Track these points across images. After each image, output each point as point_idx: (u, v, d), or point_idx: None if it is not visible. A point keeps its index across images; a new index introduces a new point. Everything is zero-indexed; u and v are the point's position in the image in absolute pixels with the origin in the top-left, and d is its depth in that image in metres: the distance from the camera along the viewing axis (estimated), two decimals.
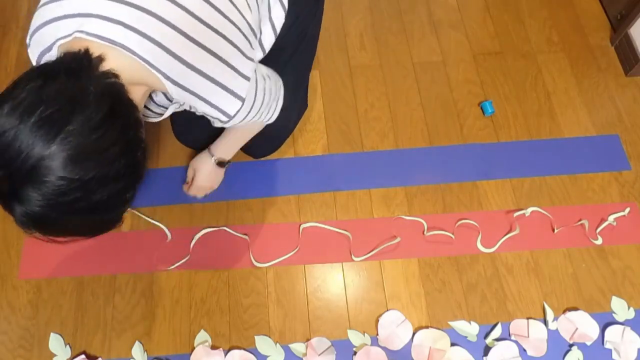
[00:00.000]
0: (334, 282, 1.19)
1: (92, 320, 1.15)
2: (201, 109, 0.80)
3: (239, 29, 0.79)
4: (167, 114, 0.90)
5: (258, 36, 0.91)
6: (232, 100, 0.80)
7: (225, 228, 1.24)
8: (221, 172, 1.23)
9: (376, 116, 1.41)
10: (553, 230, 1.23)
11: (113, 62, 0.67)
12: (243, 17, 0.81)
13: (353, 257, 1.21)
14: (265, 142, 1.29)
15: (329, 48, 1.51)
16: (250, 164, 1.33)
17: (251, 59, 0.82)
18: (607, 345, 1.11)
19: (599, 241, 1.22)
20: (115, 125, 0.64)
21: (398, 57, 1.51)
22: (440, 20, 1.59)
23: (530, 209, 1.25)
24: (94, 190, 0.64)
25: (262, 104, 0.89)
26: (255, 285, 1.19)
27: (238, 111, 0.82)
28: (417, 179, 1.31)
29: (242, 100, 0.81)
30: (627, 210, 1.26)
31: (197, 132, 1.23)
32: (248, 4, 0.83)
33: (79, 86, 0.62)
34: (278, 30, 0.98)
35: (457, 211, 1.27)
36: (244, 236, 1.23)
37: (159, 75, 0.71)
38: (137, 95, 0.71)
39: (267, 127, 1.09)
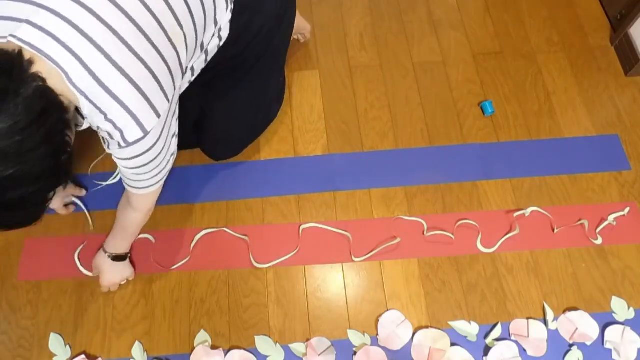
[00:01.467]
0: (334, 282, 1.19)
1: (92, 320, 1.15)
2: (105, 128, 0.77)
3: (167, 64, 0.79)
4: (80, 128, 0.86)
5: (186, 75, 0.90)
6: (136, 130, 0.77)
7: (225, 229, 1.24)
8: (124, 264, 1.15)
9: (376, 116, 1.41)
10: (553, 230, 1.23)
11: (40, 67, 0.67)
12: (177, 53, 0.81)
13: (353, 257, 1.21)
14: (227, 143, 1.28)
15: (329, 48, 1.51)
16: (250, 164, 1.33)
17: (168, 99, 0.80)
18: (607, 345, 1.11)
19: (599, 241, 1.22)
20: (42, 129, 0.64)
21: (398, 57, 1.51)
22: (440, 20, 1.59)
23: (530, 209, 1.25)
24: (9, 188, 0.63)
25: (160, 151, 0.84)
26: (255, 286, 1.19)
27: (137, 141, 0.78)
28: (417, 179, 1.31)
29: (146, 133, 0.77)
30: (627, 210, 1.26)
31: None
32: (185, 41, 0.83)
33: (10, 86, 0.62)
34: (209, 57, 0.98)
35: (457, 211, 1.27)
36: (244, 237, 1.23)
37: (74, 90, 0.70)
38: (65, 100, 0.70)
39: (231, 129, 1.10)
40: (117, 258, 1.13)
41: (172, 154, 0.91)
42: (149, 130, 0.77)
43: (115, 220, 1.11)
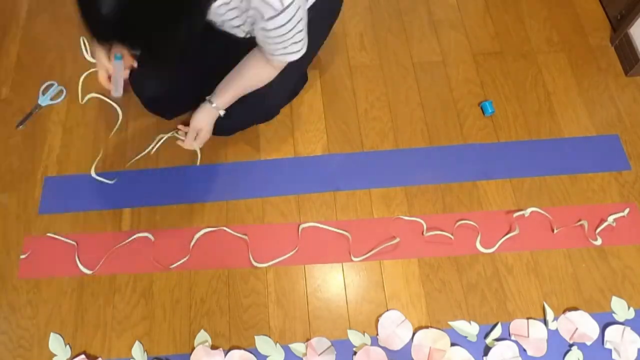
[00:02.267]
0: (334, 282, 1.19)
1: (92, 320, 1.15)
2: (254, 5, 0.93)
3: None
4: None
5: None
6: (277, 4, 0.92)
7: (225, 228, 1.24)
8: (213, 117, 1.18)
9: (376, 116, 1.41)
10: (553, 231, 1.23)
11: None
12: None
13: (352, 257, 1.21)
14: (242, 113, 1.25)
15: (329, 48, 1.51)
16: (250, 164, 1.33)
17: None
18: (607, 345, 1.11)
19: (599, 242, 1.22)
20: None
21: (398, 57, 1.51)
22: (440, 20, 1.59)
23: (529, 210, 1.25)
24: None
25: (299, 21, 0.98)
26: (255, 285, 1.19)
27: (288, 6, 0.92)
28: (417, 179, 1.31)
29: (284, 7, 0.92)
30: (627, 210, 1.26)
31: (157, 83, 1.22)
32: None
33: None
34: None
35: (457, 211, 1.27)
36: (243, 236, 1.23)
37: None
38: None
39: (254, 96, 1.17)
40: (218, 110, 1.17)
41: (304, 36, 1.04)
42: (286, 4, 0.92)
43: (232, 76, 1.15)
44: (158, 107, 1.32)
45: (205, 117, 1.17)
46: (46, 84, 1.46)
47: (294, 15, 0.96)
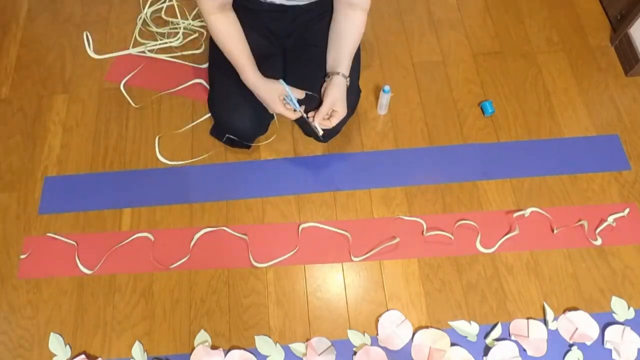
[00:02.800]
0: (334, 282, 1.19)
1: (92, 320, 1.15)
2: None
3: None
4: None
5: None
6: None
7: (225, 228, 1.24)
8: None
9: (376, 116, 1.41)
10: (552, 231, 1.23)
11: None
12: None
13: (352, 257, 1.21)
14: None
15: None
16: (250, 164, 1.33)
17: None
18: (607, 345, 1.11)
19: (599, 242, 1.22)
20: None
21: (398, 57, 1.51)
22: (440, 20, 1.59)
23: (529, 210, 1.25)
24: None
25: None
26: (255, 285, 1.19)
27: None
28: (417, 179, 1.31)
29: None
30: (627, 210, 1.26)
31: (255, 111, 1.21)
32: None
33: None
34: None
35: (457, 211, 1.27)
36: (243, 236, 1.23)
37: None
38: None
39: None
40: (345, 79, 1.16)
41: None
42: None
43: (338, 41, 1.15)
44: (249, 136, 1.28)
45: (340, 90, 1.14)
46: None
47: None
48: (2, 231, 1.26)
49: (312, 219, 1.25)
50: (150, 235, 1.23)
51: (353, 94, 1.22)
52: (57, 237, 1.24)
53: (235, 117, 1.19)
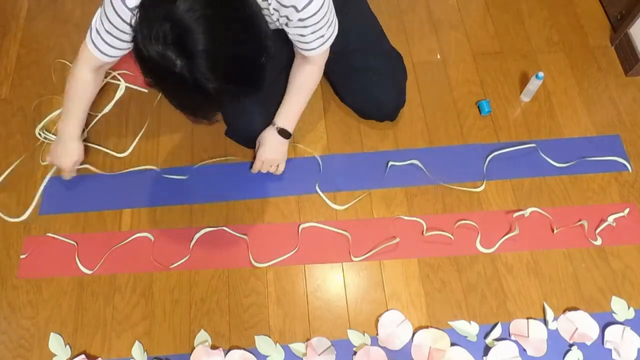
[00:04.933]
0: (334, 282, 1.19)
1: (92, 320, 1.15)
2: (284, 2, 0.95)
3: None
4: None
5: None
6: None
7: (225, 228, 1.24)
8: (285, 144, 1.25)
9: None
10: (553, 231, 1.23)
11: None
12: None
13: (352, 257, 1.21)
14: (392, 86, 1.32)
15: None
16: (250, 164, 1.33)
17: None
18: (607, 345, 1.11)
19: (599, 242, 1.22)
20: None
21: None
22: (440, 20, 1.59)
23: (529, 210, 1.25)
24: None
25: (328, 9, 1.01)
26: (255, 285, 1.19)
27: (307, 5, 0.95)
28: (417, 179, 1.31)
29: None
30: (627, 210, 1.26)
31: (249, 118, 1.25)
32: None
33: None
34: None
35: (457, 211, 1.27)
36: (243, 236, 1.23)
37: None
38: None
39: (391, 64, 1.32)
40: (283, 133, 1.22)
41: (333, 16, 1.06)
42: None
43: (287, 90, 1.21)
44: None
45: (262, 136, 1.23)
46: None
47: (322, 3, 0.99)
48: (2, 231, 1.26)
49: (312, 219, 1.25)
50: (150, 235, 1.23)
51: (401, 81, 1.37)
52: (57, 237, 1.24)
53: (244, 122, 1.24)
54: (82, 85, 1.16)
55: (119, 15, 0.96)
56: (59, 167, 1.25)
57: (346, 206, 1.27)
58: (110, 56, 1.08)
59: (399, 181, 1.30)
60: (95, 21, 1.03)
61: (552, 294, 1.17)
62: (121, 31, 1.00)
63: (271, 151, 1.24)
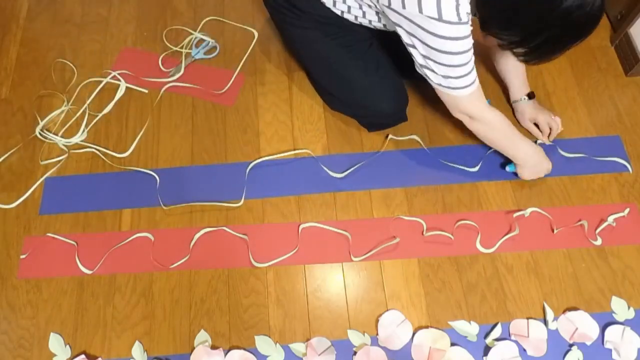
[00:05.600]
0: (334, 282, 1.19)
1: (92, 320, 1.15)
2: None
3: None
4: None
5: None
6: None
7: (225, 228, 1.24)
8: (536, 101, 1.33)
9: None
10: (553, 231, 1.23)
11: None
12: None
13: (352, 257, 1.21)
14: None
15: None
16: (249, 164, 1.33)
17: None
18: (607, 345, 1.11)
19: (599, 242, 1.22)
20: None
21: None
22: None
23: (529, 210, 1.25)
24: None
25: (464, 50, 0.99)
26: (255, 285, 1.19)
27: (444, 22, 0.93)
28: (417, 179, 1.31)
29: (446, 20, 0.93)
30: (627, 210, 1.26)
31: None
32: None
33: None
34: None
35: (457, 211, 1.27)
36: (243, 236, 1.23)
37: None
38: None
39: None
40: (531, 96, 1.32)
41: (471, 70, 1.03)
42: (447, 19, 0.91)
43: (500, 66, 1.32)
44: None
45: (532, 110, 1.32)
46: (196, 37, 1.52)
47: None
48: (2, 231, 1.26)
49: (312, 219, 1.25)
50: (150, 235, 1.23)
51: None
52: (57, 237, 1.24)
53: (382, 96, 1.25)
54: (502, 118, 1.17)
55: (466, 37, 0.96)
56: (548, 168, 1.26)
57: (346, 173, 1.26)
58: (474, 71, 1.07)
59: (398, 181, 1.30)
60: (453, 73, 1.02)
61: (552, 294, 1.17)
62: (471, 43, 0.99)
63: (544, 113, 1.30)
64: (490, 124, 1.16)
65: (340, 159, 1.34)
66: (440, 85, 1.06)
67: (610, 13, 1.56)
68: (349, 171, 1.27)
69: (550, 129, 1.31)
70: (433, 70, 1.03)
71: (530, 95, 1.32)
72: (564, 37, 0.91)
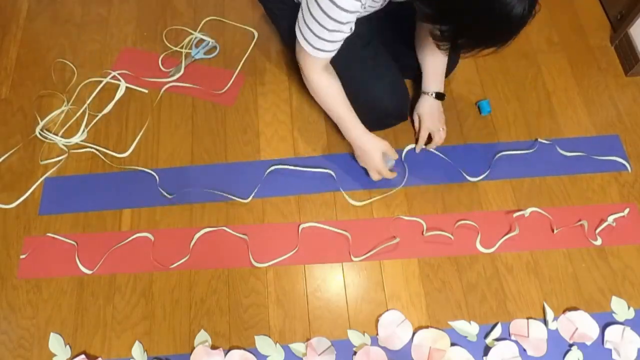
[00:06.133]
0: (334, 282, 1.19)
1: (92, 320, 1.15)
2: None
3: None
4: None
5: None
6: None
7: (225, 228, 1.24)
8: (440, 106, 1.28)
9: None
10: (553, 231, 1.23)
11: None
12: None
13: (352, 257, 1.21)
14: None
15: None
16: (250, 164, 1.33)
17: None
18: (607, 345, 1.11)
19: (599, 242, 1.22)
20: None
21: None
22: None
23: (529, 210, 1.25)
24: None
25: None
26: (255, 285, 1.19)
27: None
28: (417, 179, 1.31)
29: None
30: (627, 210, 1.26)
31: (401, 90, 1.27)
32: None
33: None
34: None
35: (457, 211, 1.27)
36: (243, 236, 1.23)
37: None
38: None
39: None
40: (439, 96, 1.27)
41: (329, 39, 1.01)
42: None
43: (420, 55, 1.25)
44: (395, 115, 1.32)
45: (429, 109, 1.27)
46: (196, 37, 1.52)
47: None
48: (2, 231, 1.26)
49: (312, 219, 1.25)
50: (150, 235, 1.23)
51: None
52: (57, 237, 1.24)
53: (381, 93, 1.22)
54: (328, 89, 1.15)
55: (349, 12, 0.95)
56: (377, 171, 1.22)
57: (364, 203, 1.26)
58: (335, 50, 1.06)
59: (399, 181, 1.30)
60: (309, 26, 1.01)
61: (552, 294, 1.17)
62: (348, 23, 0.98)
63: (438, 117, 1.27)
64: (312, 88, 1.15)
65: (343, 158, 1.34)
66: (298, 26, 1.04)
67: (610, 13, 1.56)
68: (367, 202, 1.26)
69: (431, 138, 1.28)
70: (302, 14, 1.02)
71: (439, 96, 1.27)
72: (475, 26, 0.84)
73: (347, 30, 1.00)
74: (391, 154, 1.22)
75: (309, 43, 1.03)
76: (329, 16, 0.95)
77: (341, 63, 1.18)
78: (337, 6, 0.93)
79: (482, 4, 0.80)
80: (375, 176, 1.24)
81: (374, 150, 1.20)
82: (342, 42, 1.04)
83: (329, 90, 1.15)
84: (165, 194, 1.28)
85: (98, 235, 1.24)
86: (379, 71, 1.23)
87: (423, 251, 1.22)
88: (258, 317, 1.15)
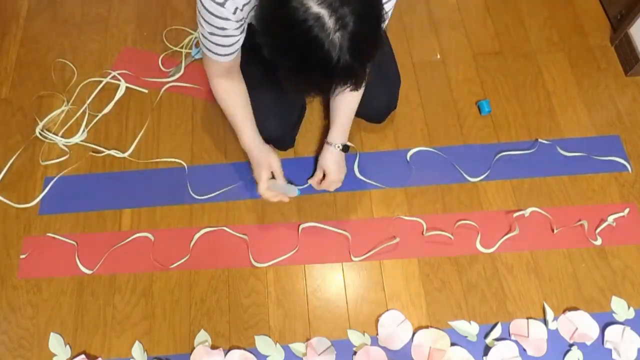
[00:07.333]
0: (334, 282, 1.19)
1: (92, 320, 1.15)
2: None
3: None
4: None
5: None
6: None
7: (225, 228, 1.24)
8: (343, 158, 1.25)
9: None
10: (553, 231, 1.23)
11: None
12: None
13: (352, 257, 1.21)
14: (385, 90, 1.28)
15: None
16: (250, 165, 1.33)
17: None
18: (607, 345, 1.11)
19: (599, 242, 1.22)
20: None
21: (398, 57, 1.50)
22: (440, 20, 1.59)
23: (529, 210, 1.25)
24: None
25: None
26: (255, 285, 1.19)
27: None
28: (417, 179, 1.31)
29: None
30: (627, 210, 1.26)
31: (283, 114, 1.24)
32: None
33: None
34: None
35: (457, 211, 1.27)
36: (243, 236, 1.23)
37: None
38: None
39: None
40: (345, 148, 1.23)
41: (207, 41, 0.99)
42: None
43: (333, 108, 1.21)
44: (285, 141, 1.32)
45: (331, 158, 1.21)
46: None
47: None
48: (2, 231, 1.26)
49: (312, 219, 1.25)
50: (150, 235, 1.23)
51: (394, 86, 1.31)
52: (57, 237, 1.24)
53: (266, 123, 1.20)
54: (225, 95, 1.13)
55: (220, 18, 0.93)
56: (259, 191, 1.18)
57: None
58: (228, 55, 1.04)
59: (399, 181, 1.30)
60: (200, 30, 0.99)
61: (552, 294, 1.17)
62: (227, 29, 0.96)
63: (340, 170, 1.22)
64: (215, 91, 1.13)
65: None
66: (201, 32, 1.01)
67: (610, 13, 1.56)
68: (366, 255, 1.25)
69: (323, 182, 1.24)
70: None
71: (344, 149, 1.22)
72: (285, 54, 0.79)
73: (232, 35, 0.97)
74: (277, 175, 1.18)
75: (204, 46, 1.02)
76: (207, 22, 0.95)
77: (252, 81, 1.17)
78: (209, 12, 0.92)
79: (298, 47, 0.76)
80: (259, 189, 1.18)
81: (257, 163, 1.17)
82: (236, 51, 1.02)
83: (225, 96, 1.13)
84: (191, 192, 1.28)
85: (98, 235, 1.24)
86: (275, 99, 1.20)
87: (423, 251, 1.22)
88: (258, 317, 1.15)
